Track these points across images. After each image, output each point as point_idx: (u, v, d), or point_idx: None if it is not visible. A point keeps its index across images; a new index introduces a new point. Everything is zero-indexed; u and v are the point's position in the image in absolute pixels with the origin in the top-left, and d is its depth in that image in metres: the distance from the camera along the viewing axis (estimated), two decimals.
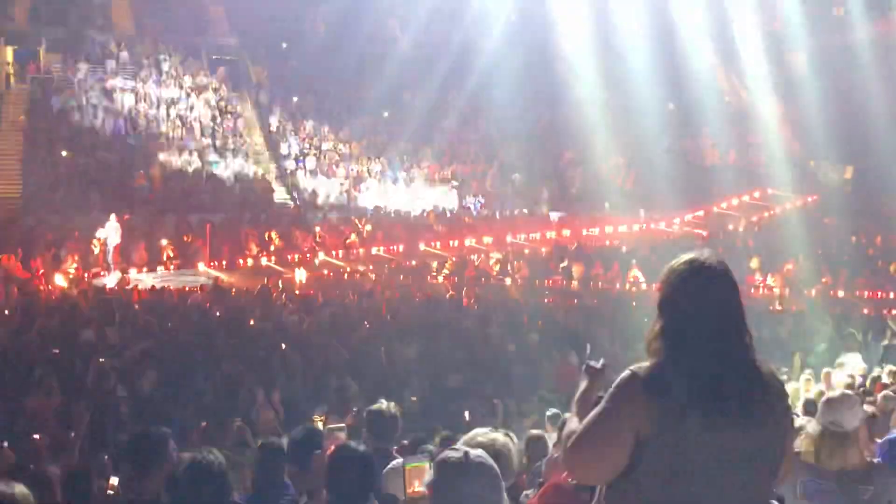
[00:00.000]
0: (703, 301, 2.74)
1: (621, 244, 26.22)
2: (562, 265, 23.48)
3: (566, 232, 27.36)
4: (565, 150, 32.23)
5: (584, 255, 24.48)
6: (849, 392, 5.08)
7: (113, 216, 21.91)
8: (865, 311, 20.00)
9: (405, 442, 6.70)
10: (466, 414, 9.48)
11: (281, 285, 20.35)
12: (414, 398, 10.91)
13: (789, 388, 10.73)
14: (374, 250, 24.76)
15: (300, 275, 22.18)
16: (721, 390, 2.64)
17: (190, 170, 26.54)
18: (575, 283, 22.72)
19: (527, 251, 25.00)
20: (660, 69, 37.85)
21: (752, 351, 2.77)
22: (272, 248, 24.13)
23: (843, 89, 34.76)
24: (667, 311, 2.80)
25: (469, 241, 25.79)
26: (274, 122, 30.42)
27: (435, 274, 23.16)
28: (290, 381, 12.02)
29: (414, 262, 23.92)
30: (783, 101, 38.22)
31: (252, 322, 15.31)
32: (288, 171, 28.61)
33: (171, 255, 22.69)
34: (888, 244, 27.02)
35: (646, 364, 2.75)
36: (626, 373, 2.75)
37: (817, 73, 37.52)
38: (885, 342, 15.34)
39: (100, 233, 21.65)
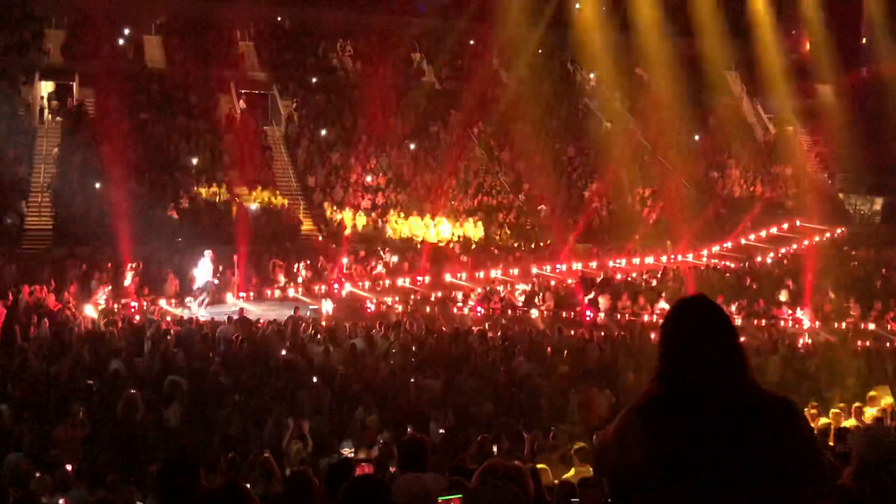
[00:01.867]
0: (689, 339, 2.86)
1: (648, 276, 26.08)
2: (588, 297, 23.40)
3: (593, 264, 27.28)
4: (592, 182, 32.23)
5: (611, 286, 24.37)
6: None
7: (208, 252, 22.32)
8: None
9: None
10: (494, 448, 9.45)
11: (309, 316, 20.44)
12: (442, 430, 10.88)
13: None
14: (399, 281, 24.83)
15: (327, 306, 22.29)
16: (710, 424, 2.70)
17: (219, 201, 26.84)
18: (602, 316, 22.63)
19: (553, 283, 24.94)
20: (686, 100, 37.98)
21: (747, 382, 2.83)
22: (299, 279, 24.28)
23: (871, 120, 34.61)
24: (661, 351, 2.93)
25: (495, 273, 25.78)
26: (302, 154, 30.72)
27: (461, 305, 23.16)
28: (317, 413, 12.06)
29: (440, 294, 23.94)
30: (811, 133, 38.14)
31: (280, 354, 15.37)
32: (315, 203, 28.83)
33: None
34: None
35: (646, 396, 2.86)
36: (624, 411, 2.88)
37: (845, 105, 37.47)
38: None
39: (197, 269, 22.11)
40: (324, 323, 19.78)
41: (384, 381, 13.82)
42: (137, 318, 19.14)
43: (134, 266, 22.31)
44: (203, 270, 22.21)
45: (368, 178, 30.01)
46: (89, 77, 31.18)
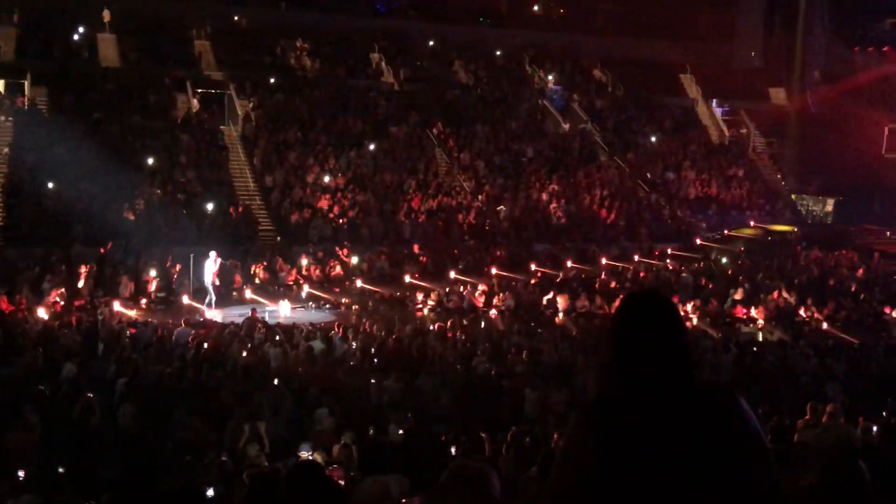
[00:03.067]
0: (637, 332, 2.81)
1: (606, 276, 26.31)
2: (547, 297, 23.54)
3: (551, 263, 27.45)
4: (550, 183, 32.44)
5: (569, 287, 24.55)
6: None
7: (213, 253, 22.33)
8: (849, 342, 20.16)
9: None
10: (453, 449, 9.46)
11: (267, 318, 20.32)
12: (401, 431, 10.86)
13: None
14: (358, 283, 24.77)
15: (284, 307, 22.16)
16: (657, 419, 2.67)
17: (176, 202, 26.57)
18: (560, 316, 22.78)
19: (513, 283, 25.04)
20: (643, 102, 38.47)
21: (691, 378, 2.79)
22: (257, 280, 24.10)
23: (822, 122, 35.31)
24: (611, 346, 2.87)
25: (454, 273, 25.82)
26: (259, 154, 30.51)
27: (420, 307, 23.16)
28: (275, 416, 11.97)
29: (398, 294, 23.92)
30: (765, 135, 38.84)
31: (236, 355, 15.24)
32: (273, 204, 28.65)
33: (156, 287, 22.63)
34: (869, 275, 27.27)
35: (592, 400, 2.83)
36: (573, 414, 2.82)
37: (797, 107, 38.21)
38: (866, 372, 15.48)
39: (206, 268, 22.15)
40: (280, 324, 19.66)
41: (343, 382, 13.77)
42: (91, 320, 18.85)
43: (88, 268, 22.01)
44: (208, 271, 22.18)
45: (327, 179, 29.87)
46: (42, 75, 30.67)
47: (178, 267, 23.12)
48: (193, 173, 28.31)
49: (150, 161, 28.13)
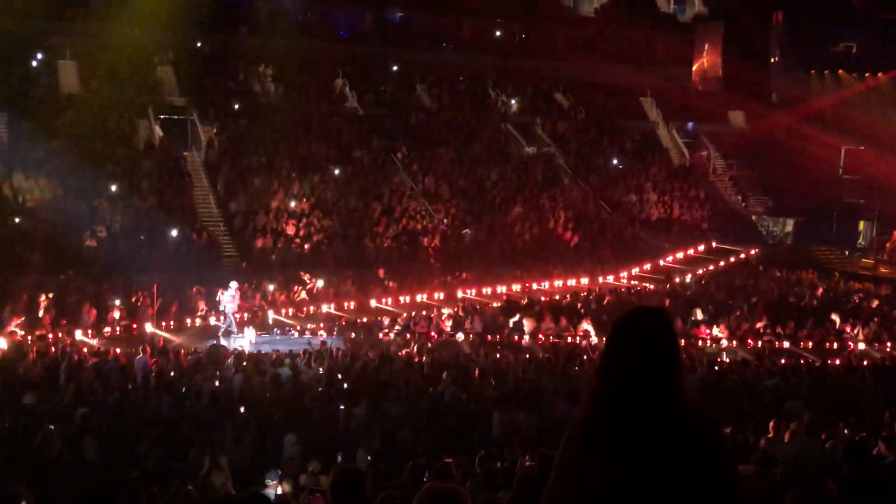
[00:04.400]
0: (634, 351, 2.80)
1: (571, 298, 26.45)
2: (512, 320, 23.60)
3: (516, 286, 27.56)
4: (514, 206, 32.61)
5: (535, 309, 24.64)
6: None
7: (234, 284, 22.58)
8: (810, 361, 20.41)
9: None
10: (425, 474, 9.40)
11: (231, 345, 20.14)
12: (369, 458, 10.80)
13: None
14: (324, 307, 24.65)
15: (249, 334, 21.98)
16: (646, 438, 2.69)
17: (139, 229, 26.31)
18: (526, 338, 22.83)
19: (478, 306, 25.07)
20: (604, 125, 38.90)
21: (682, 398, 2.80)
22: (221, 307, 23.87)
23: (782, 145, 35.92)
24: (603, 361, 2.87)
25: (420, 297, 25.81)
26: (223, 180, 30.34)
27: (386, 331, 23.09)
28: (240, 444, 11.84)
29: (365, 319, 23.84)
30: (725, 157, 39.42)
31: (201, 383, 15.06)
32: (237, 229, 28.47)
33: (119, 316, 22.33)
34: (829, 295, 27.69)
35: (580, 417, 2.82)
36: (568, 429, 2.81)
37: (756, 130, 38.89)
38: (827, 389, 15.69)
39: (223, 296, 22.40)
40: (247, 351, 19.49)
41: (310, 409, 13.67)
42: (52, 350, 18.55)
43: (49, 296, 21.70)
44: (228, 300, 22.28)
45: (292, 204, 29.77)
46: (1, 102, 30.29)
47: (143, 295, 22.87)
48: (156, 200, 28.07)
49: (113, 188, 27.85)
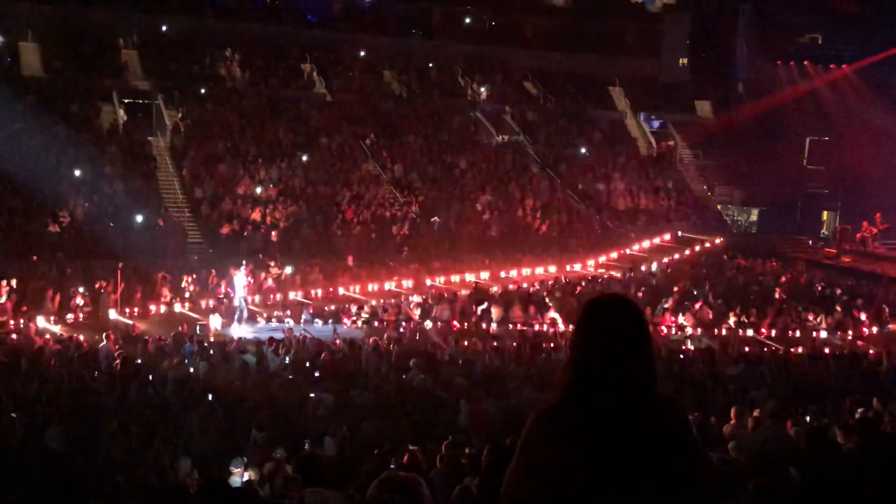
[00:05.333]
0: (603, 337, 2.79)
1: (539, 287, 26.55)
2: (481, 308, 23.64)
3: (485, 275, 27.61)
4: (481, 195, 32.64)
5: (503, 297, 24.70)
6: None
7: (244, 267, 22.33)
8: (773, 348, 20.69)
9: None
10: (392, 461, 9.41)
11: (197, 332, 19.98)
12: (337, 445, 10.77)
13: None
14: (291, 295, 24.52)
15: (214, 321, 21.79)
16: (618, 425, 2.70)
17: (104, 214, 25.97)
18: (494, 326, 22.89)
19: (447, 294, 25.09)
20: (573, 115, 39.02)
21: (654, 384, 2.81)
22: (187, 294, 23.68)
23: (748, 135, 36.25)
24: (573, 349, 2.86)
25: (389, 285, 25.77)
26: (188, 165, 30.04)
27: (354, 319, 23.04)
28: (206, 432, 11.76)
29: (332, 307, 23.76)
30: (691, 147, 39.71)
31: (165, 371, 14.93)
32: (203, 216, 28.21)
33: (83, 302, 22.05)
34: (793, 283, 28.03)
35: (552, 403, 2.81)
36: (532, 416, 2.80)
37: (722, 119, 39.21)
38: (791, 378, 15.92)
39: (235, 280, 22.27)
40: (212, 339, 19.34)
41: (276, 397, 13.60)
42: (14, 337, 18.29)
43: (10, 283, 21.36)
44: (239, 285, 22.07)
45: (258, 190, 29.55)
46: None
47: (106, 281, 22.59)
48: (121, 185, 27.72)
49: (77, 173, 27.45)
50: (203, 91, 34.04)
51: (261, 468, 9.25)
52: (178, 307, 22.85)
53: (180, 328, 19.23)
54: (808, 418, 11.70)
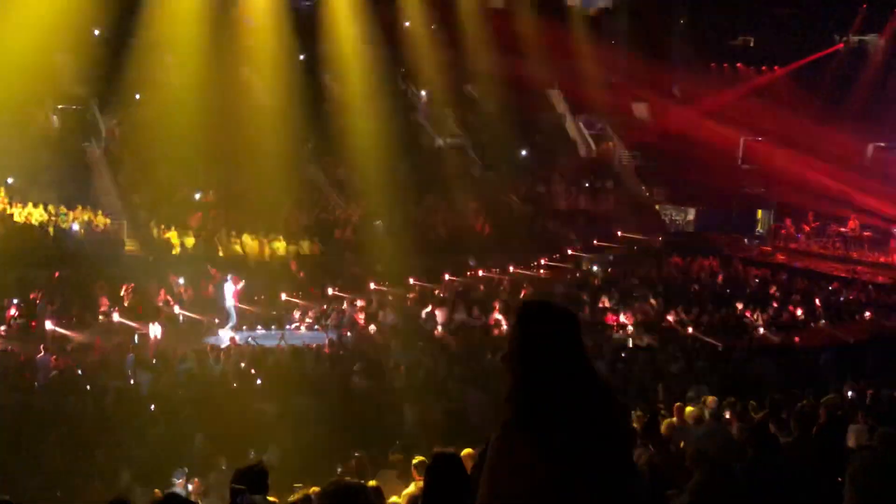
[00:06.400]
0: (542, 341, 2.82)
1: (483, 288, 26.66)
2: (425, 311, 23.65)
3: (429, 277, 27.60)
4: (425, 197, 32.67)
5: (448, 300, 24.74)
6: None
7: (230, 277, 22.23)
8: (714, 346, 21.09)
9: None
10: (338, 468, 9.38)
11: (136, 341, 19.64)
12: (280, 453, 10.70)
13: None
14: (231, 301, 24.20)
15: (155, 330, 21.39)
16: (573, 425, 2.73)
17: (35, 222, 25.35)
18: (439, 329, 22.91)
19: (391, 298, 25.03)
20: (513, 117, 39.26)
21: (598, 379, 2.87)
22: (125, 303, 23.21)
23: (683, 136, 36.87)
24: (514, 356, 2.87)
25: (332, 290, 25.61)
26: (125, 171, 29.48)
27: (297, 325, 22.86)
28: (143, 442, 11.58)
29: (275, 313, 23.53)
30: (629, 148, 40.29)
31: (107, 380, 14.66)
32: (141, 223, 27.71)
33: (17, 313, 21.48)
34: (730, 281, 28.61)
35: (507, 419, 2.83)
36: (497, 432, 2.82)
37: (657, 121, 39.85)
38: (729, 373, 16.27)
39: (224, 291, 22.21)
40: (152, 348, 19.03)
41: (219, 405, 13.44)
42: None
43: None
44: (228, 294, 22.02)
45: (197, 196, 29.13)
46: None
47: (42, 291, 22.08)
48: (55, 193, 27.08)
49: (10, 181, 26.77)
50: (138, 96, 33.41)
51: (204, 478, 9.15)
52: (116, 316, 22.38)
53: (119, 338, 18.87)
54: (749, 414, 11.96)
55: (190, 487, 9.19)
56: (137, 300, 23.37)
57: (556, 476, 2.68)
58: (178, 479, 9.35)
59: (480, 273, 28.46)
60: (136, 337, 20.37)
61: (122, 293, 23.30)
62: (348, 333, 21.73)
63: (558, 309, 2.93)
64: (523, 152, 38.44)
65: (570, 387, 2.78)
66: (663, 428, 9.85)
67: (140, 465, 10.35)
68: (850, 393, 13.20)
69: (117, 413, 12.73)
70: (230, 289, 22.34)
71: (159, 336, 21.06)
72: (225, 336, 21.33)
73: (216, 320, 22.53)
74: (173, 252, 26.45)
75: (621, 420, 2.85)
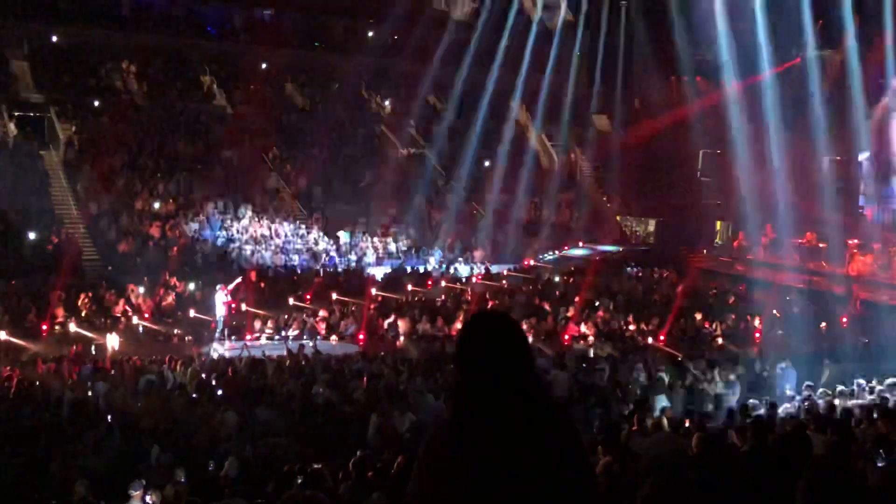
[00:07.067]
0: (484, 353, 2.85)
1: (445, 298, 26.68)
2: (388, 321, 23.60)
3: (392, 287, 27.57)
4: (389, 208, 32.67)
5: (410, 310, 24.72)
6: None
7: (220, 286, 21.98)
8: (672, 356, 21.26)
9: None
10: (299, 479, 9.29)
11: (94, 352, 19.35)
12: (241, 464, 10.57)
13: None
14: (191, 312, 23.96)
15: (112, 340, 21.10)
16: (509, 439, 2.74)
17: None
18: (402, 339, 22.87)
19: (354, 308, 24.94)
20: (476, 128, 39.42)
21: (542, 395, 2.89)
22: (83, 313, 22.88)
23: (644, 148, 37.29)
24: (458, 368, 2.90)
25: (293, 300, 25.45)
26: (83, 180, 29.09)
27: (258, 335, 22.68)
28: (101, 454, 11.40)
29: (234, 323, 23.32)
30: (591, 160, 40.61)
31: (62, 392, 14.42)
32: (99, 232, 27.35)
33: None
34: (689, 292, 28.89)
35: (445, 421, 2.86)
36: (429, 431, 2.86)
37: (619, 134, 40.26)
38: (688, 384, 16.43)
39: (215, 299, 21.98)
40: (109, 358, 18.75)
41: (178, 416, 13.28)
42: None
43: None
44: (219, 303, 21.83)
45: (157, 205, 28.84)
46: None
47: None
48: (11, 201, 26.65)
49: None
50: (97, 104, 33.05)
51: (161, 490, 9.02)
52: (72, 326, 22.03)
53: (75, 348, 18.57)
54: (706, 423, 12.08)
55: (147, 500, 9.06)
56: (95, 310, 23.05)
57: (480, 476, 2.70)
58: (136, 492, 9.21)
59: (443, 283, 28.48)
60: (93, 347, 20.06)
61: (79, 303, 22.97)
62: (310, 344, 21.57)
63: (497, 316, 2.97)
64: (486, 163, 38.59)
65: (504, 390, 2.80)
66: (623, 437, 9.91)
67: (96, 478, 10.17)
68: (805, 403, 13.38)
69: (73, 424, 12.51)
70: (221, 298, 22.12)
71: (117, 346, 20.79)
72: (221, 347, 21.19)
73: (188, 338, 22.28)
74: (133, 262, 26.11)
75: (561, 425, 2.86)
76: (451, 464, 2.74)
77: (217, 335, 21.93)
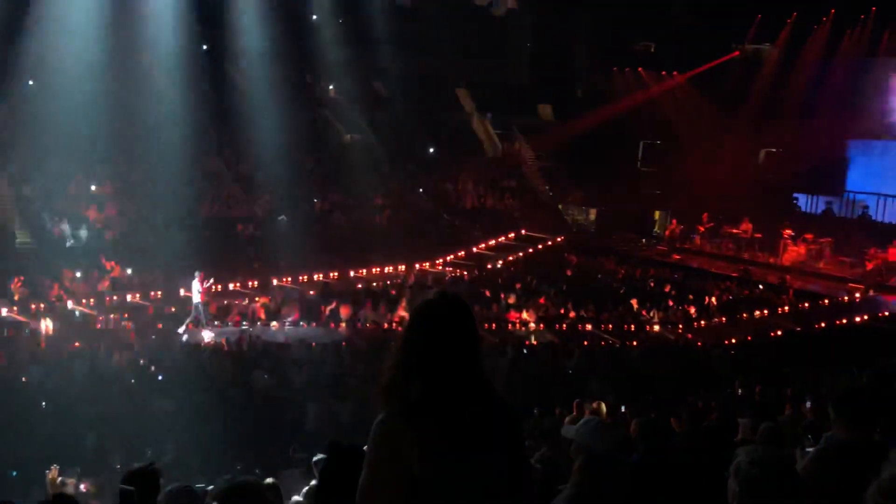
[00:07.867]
0: (436, 335, 2.88)
1: (388, 285, 26.64)
2: (329, 307, 23.49)
3: (334, 274, 27.43)
4: (330, 193, 32.44)
5: (352, 296, 24.63)
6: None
7: (198, 273, 21.59)
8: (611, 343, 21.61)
9: None
10: (238, 466, 9.24)
11: (28, 335, 18.91)
12: (177, 452, 10.47)
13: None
14: (129, 297, 23.54)
15: (46, 325, 20.62)
16: (463, 421, 2.78)
17: None
18: (343, 325, 22.79)
19: (295, 294, 24.76)
20: (420, 115, 39.37)
21: (487, 379, 2.92)
22: (15, 297, 22.30)
23: (586, 138, 37.59)
24: (407, 349, 2.92)
25: (233, 286, 25.17)
26: (17, 161, 28.30)
27: (195, 321, 22.38)
28: (31, 439, 11.17)
29: (174, 309, 22.98)
30: (534, 148, 40.83)
31: None
32: (33, 214, 26.66)
33: None
34: (628, 280, 29.33)
35: (396, 404, 2.86)
36: (379, 417, 2.85)
37: (562, 122, 40.53)
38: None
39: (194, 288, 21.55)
40: (43, 345, 18.34)
41: (114, 403, 13.06)
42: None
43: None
44: (195, 291, 21.48)
45: (93, 187, 28.20)
46: None
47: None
48: None
49: None
50: (31, 83, 32.11)
51: (96, 478, 8.88)
52: (3, 311, 21.48)
53: (6, 332, 18.12)
54: (643, 409, 12.29)
55: (82, 487, 8.92)
56: (28, 294, 22.49)
57: (426, 460, 2.72)
58: (70, 479, 9.04)
59: (387, 270, 28.43)
60: (26, 331, 19.59)
61: (11, 286, 22.39)
62: (250, 329, 21.38)
63: (455, 299, 2.98)
64: (430, 150, 38.57)
65: (461, 374, 2.83)
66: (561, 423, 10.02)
67: (29, 465, 9.95)
68: (739, 390, 13.71)
69: (4, 410, 12.22)
70: (196, 286, 21.77)
71: (51, 331, 20.33)
72: (206, 334, 20.95)
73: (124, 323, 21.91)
74: (67, 245, 25.53)
75: (505, 410, 2.90)
76: (397, 448, 2.74)
77: (197, 319, 21.72)
